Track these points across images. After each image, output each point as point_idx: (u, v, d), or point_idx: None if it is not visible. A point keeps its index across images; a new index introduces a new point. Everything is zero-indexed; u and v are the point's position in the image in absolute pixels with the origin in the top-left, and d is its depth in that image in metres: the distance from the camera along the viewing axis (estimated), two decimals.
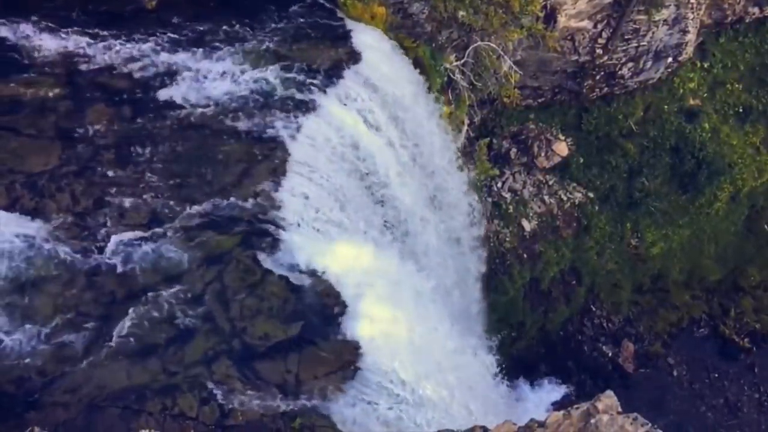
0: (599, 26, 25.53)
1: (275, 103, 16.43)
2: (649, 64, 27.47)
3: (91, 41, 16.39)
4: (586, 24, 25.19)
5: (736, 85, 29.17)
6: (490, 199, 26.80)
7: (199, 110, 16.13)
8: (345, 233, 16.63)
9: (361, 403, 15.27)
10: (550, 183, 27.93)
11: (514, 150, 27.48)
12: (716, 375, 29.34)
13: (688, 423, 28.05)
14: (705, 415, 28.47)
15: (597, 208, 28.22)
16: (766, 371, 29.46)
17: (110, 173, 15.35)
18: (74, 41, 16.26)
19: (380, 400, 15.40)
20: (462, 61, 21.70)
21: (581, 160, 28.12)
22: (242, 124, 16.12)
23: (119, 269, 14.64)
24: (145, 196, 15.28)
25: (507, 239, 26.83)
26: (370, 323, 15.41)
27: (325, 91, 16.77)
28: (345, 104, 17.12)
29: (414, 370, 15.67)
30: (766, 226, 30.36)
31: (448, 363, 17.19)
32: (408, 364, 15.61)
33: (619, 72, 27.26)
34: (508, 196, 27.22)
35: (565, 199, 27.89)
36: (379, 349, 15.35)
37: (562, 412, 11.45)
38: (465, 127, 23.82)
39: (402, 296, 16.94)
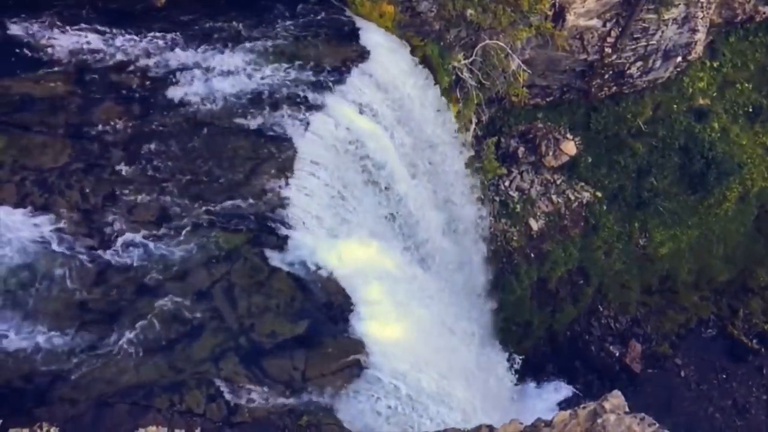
0: (608, 25, 25.42)
1: (283, 101, 16.47)
2: (658, 63, 27.33)
3: (102, 39, 16.46)
4: (595, 23, 25.08)
5: (746, 85, 28.99)
6: (497, 198, 26.75)
7: (208, 108, 16.19)
8: (353, 232, 16.64)
9: (367, 401, 15.28)
10: (558, 182, 27.84)
11: (521, 149, 27.41)
12: (724, 376, 29.21)
13: (695, 424, 27.94)
14: (713, 416, 28.36)
15: (605, 207, 28.12)
16: None
17: (120, 170, 15.41)
18: (84, 39, 16.33)
19: (386, 398, 15.40)
20: (470, 59, 21.66)
21: (589, 160, 28.03)
22: (251, 122, 16.16)
23: (128, 266, 14.70)
24: (154, 194, 15.34)
25: (514, 238, 26.77)
26: (377, 322, 15.42)
27: (333, 89, 16.79)
28: (353, 102, 17.12)
29: (420, 368, 15.67)
30: None
31: (454, 362, 17.18)
32: (414, 363, 15.61)
33: (628, 71, 27.14)
34: (515, 195, 27.16)
35: (572, 198, 27.79)
36: (386, 347, 15.36)
37: (568, 411, 11.43)
38: (473, 126, 23.80)
39: (409, 295, 16.94)
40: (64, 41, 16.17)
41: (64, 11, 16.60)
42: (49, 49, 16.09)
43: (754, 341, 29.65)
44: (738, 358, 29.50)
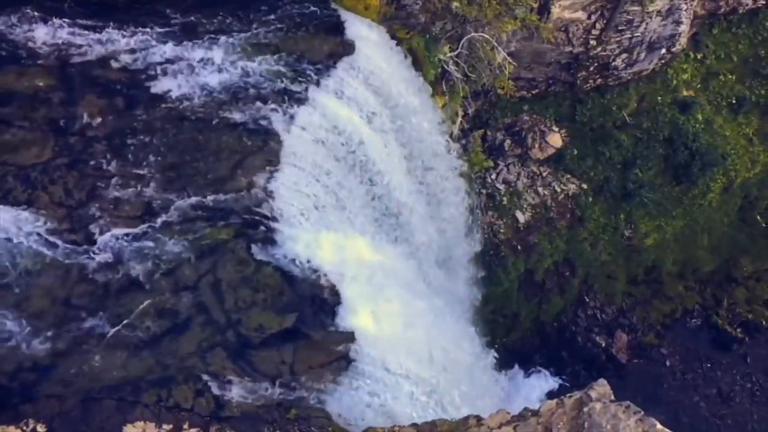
0: (593, 17, 25.50)
1: (269, 95, 16.40)
2: (643, 55, 27.45)
3: (84, 32, 16.28)
4: (579, 15, 25.15)
5: (730, 76, 29.17)
6: (484, 191, 26.82)
7: (193, 102, 16.08)
8: (339, 224, 16.64)
9: (355, 394, 15.33)
10: (544, 174, 27.96)
11: (508, 141, 27.48)
12: (709, 365, 29.51)
13: (681, 412, 28.23)
14: (698, 404, 28.65)
15: (591, 199, 28.26)
16: (759, 361, 29.62)
17: (103, 165, 15.31)
18: (67, 32, 16.15)
19: (375, 391, 15.46)
20: (456, 52, 21.64)
21: (575, 152, 28.13)
22: (236, 116, 16.08)
23: (113, 262, 14.62)
24: (138, 189, 15.26)
25: (501, 231, 26.88)
26: (365, 314, 15.46)
27: (318, 82, 16.74)
28: (338, 95, 17.09)
29: (408, 360, 15.73)
30: (758, 217, 30.45)
31: (442, 353, 17.25)
32: (402, 355, 15.67)
33: (613, 63, 27.26)
34: (502, 187, 27.25)
35: (559, 190, 27.93)
36: (374, 339, 15.41)
37: (555, 400, 11.53)
38: (459, 119, 23.81)
39: (396, 287, 16.98)
40: (46, 34, 15.98)
41: (46, 3, 16.39)
42: (31, 43, 15.90)
43: (739, 330, 29.92)
44: (723, 347, 29.77)
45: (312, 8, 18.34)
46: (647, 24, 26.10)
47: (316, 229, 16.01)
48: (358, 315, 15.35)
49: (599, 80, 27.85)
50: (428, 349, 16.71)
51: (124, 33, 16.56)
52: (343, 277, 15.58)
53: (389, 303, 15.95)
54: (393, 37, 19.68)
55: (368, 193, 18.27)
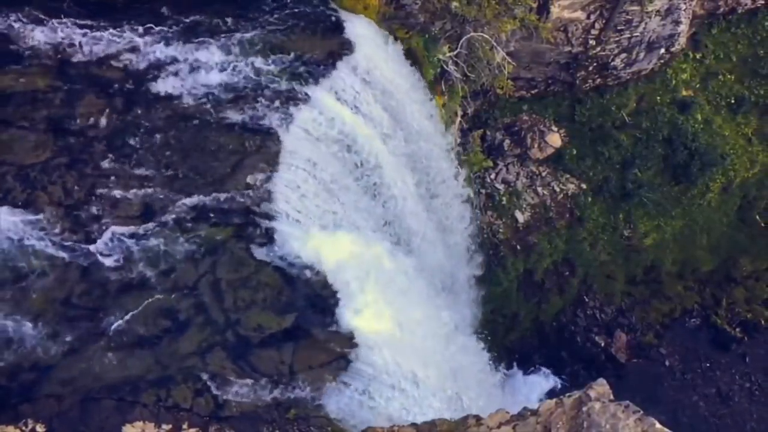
0: (592, 17, 25.53)
1: (268, 94, 16.39)
2: (642, 55, 27.47)
3: (84, 32, 16.27)
4: (579, 15, 25.17)
5: (729, 76, 29.21)
6: (483, 191, 26.84)
7: (192, 102, 16.07)
8: (339, 225, 16.64)
9: (355, 394, 15.33)
10: (544, 174, 27.98)
11: (507, 141, 27.50)
12: (708, 365, 29.55)
13: (680, 412, 28.26)
14: (697, 404, 28.69)
15: (590, 199, 28.29)
16: (758, 361, 29.67)
17: (103, 165, 15.30)
18: (66, 32, 16.14)
19: (374, 390, 15.46)
20: (455, 52, 21.64)
21: (574, 152, 28.16)
22: (235, 116, 16.08)
23: (112, 262, 14.63)
24: (138, 189, 15.26)
25: (500, 231, 26.90)
26: (364, 314, 15.45)
27: (318, 82, 16.73)
28: (338, 95, 17.08)
29: (407, 360, 15.73)
30: (757, 217, 30.50)
31: (441, 353, 17.26)
32: (402, 355, 15.66)
33: (612, 63, 27.28)
34: (501, 187, 27.26)
35: (558, 190, 27.95)
36: (373, 340, 15.40)
37: (554, 399, 11.54)
38: (458, 119, 23.82)
39: (396, 287, 16.98)
40: (45, 34, 15.97)
41: (45, 3, 16.37)
42: (30, 43, 15.89)
43: (738, 330, 29.97)
44: (722, 346, 29.83)
45: (311, 8, 18.33)
46: (646, 24, 26.12)
47: (316, 229, 15.99)
48: (357, 315, 15.33)
49: (598, 80, 27.88)
50: (428, 349, 16.72)
51: (123, 33, 16.54)
52: (343, 277, 15.57)
53: (389, 303, 15.93)
54: (392, 36, 19.65)
55: (369, 193, 18.28)
